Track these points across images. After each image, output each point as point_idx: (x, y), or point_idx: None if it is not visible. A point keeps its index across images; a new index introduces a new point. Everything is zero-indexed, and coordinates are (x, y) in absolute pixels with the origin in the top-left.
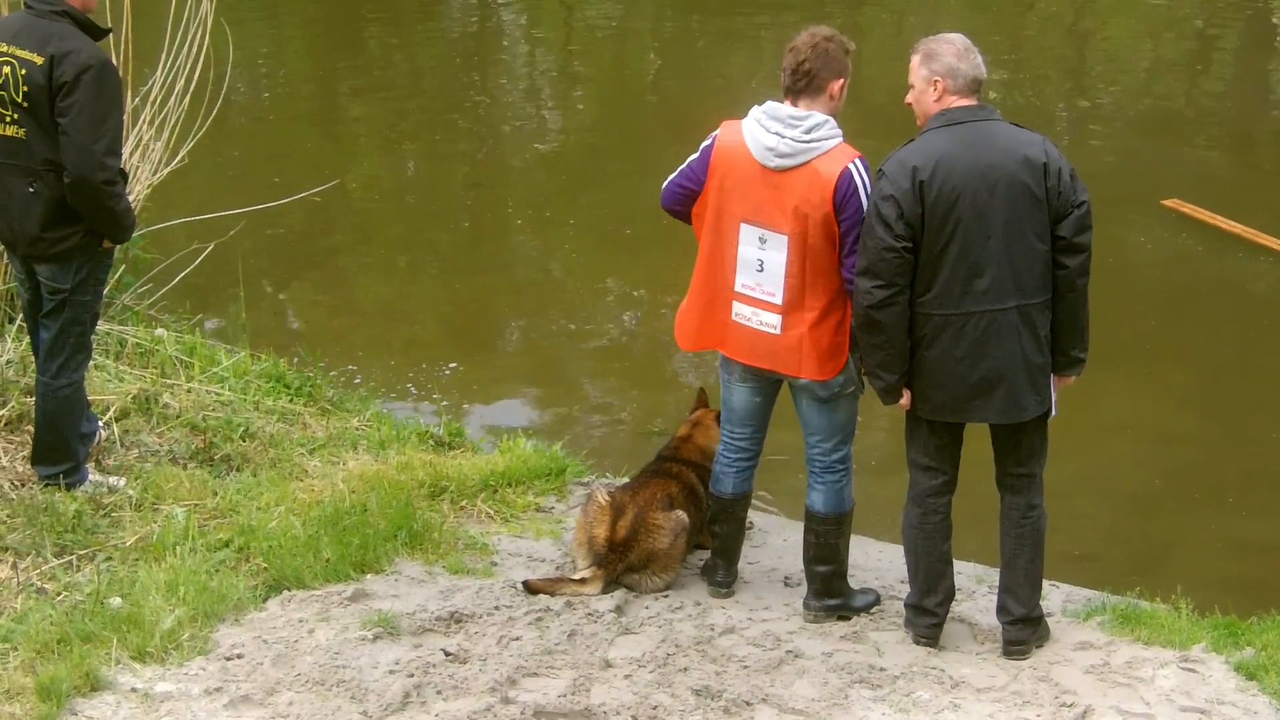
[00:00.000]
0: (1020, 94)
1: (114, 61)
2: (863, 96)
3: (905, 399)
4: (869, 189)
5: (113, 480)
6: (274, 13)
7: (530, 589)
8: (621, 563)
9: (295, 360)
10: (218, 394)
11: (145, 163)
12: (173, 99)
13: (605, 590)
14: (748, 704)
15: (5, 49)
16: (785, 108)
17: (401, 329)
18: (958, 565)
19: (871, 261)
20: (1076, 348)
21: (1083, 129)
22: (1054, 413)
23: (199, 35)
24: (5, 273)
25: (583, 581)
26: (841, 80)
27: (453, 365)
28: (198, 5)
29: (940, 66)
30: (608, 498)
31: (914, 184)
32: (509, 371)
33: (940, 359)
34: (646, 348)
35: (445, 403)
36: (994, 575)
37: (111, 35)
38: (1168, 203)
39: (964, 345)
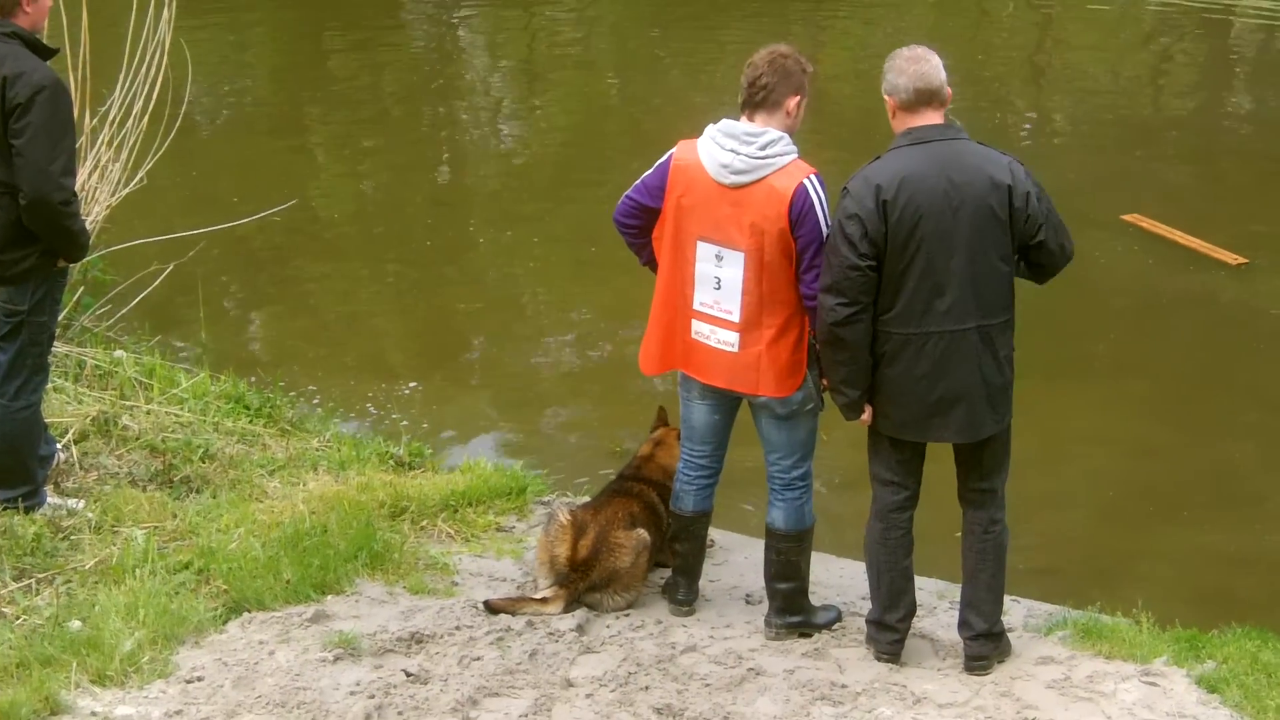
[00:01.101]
0: (982, 108)
1: (70, 82)
2: (826, 111)
3: (867, 415)
4: (825, 204)
5: (72, 503)
6: (235, 31)
7: (491, 609)
8: (583, 582)
9: (253, 380)
10: (177, 415)
11: (104, 183)
12: (131, 119)
13: (567, 609)
14: None
15: None
16: (740, 124)
17: (362, 348)
18: (919, 581)
19: (836, 279)
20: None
21: (1044, 143)
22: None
23: (157, 55)
24: None
25: (544, 601)
26: (799, 97)
27: (413, 384)
28: (156, 26)
29: (886, 83)
30: (569, 517)
31: (878, 203)
32: (470, 390)
33: (900, 377)
34: (608, 366)
35: (405, 422)
36: (955, 590)
37: (70, 56)
38: (1128, 217)
39: (924, 364)
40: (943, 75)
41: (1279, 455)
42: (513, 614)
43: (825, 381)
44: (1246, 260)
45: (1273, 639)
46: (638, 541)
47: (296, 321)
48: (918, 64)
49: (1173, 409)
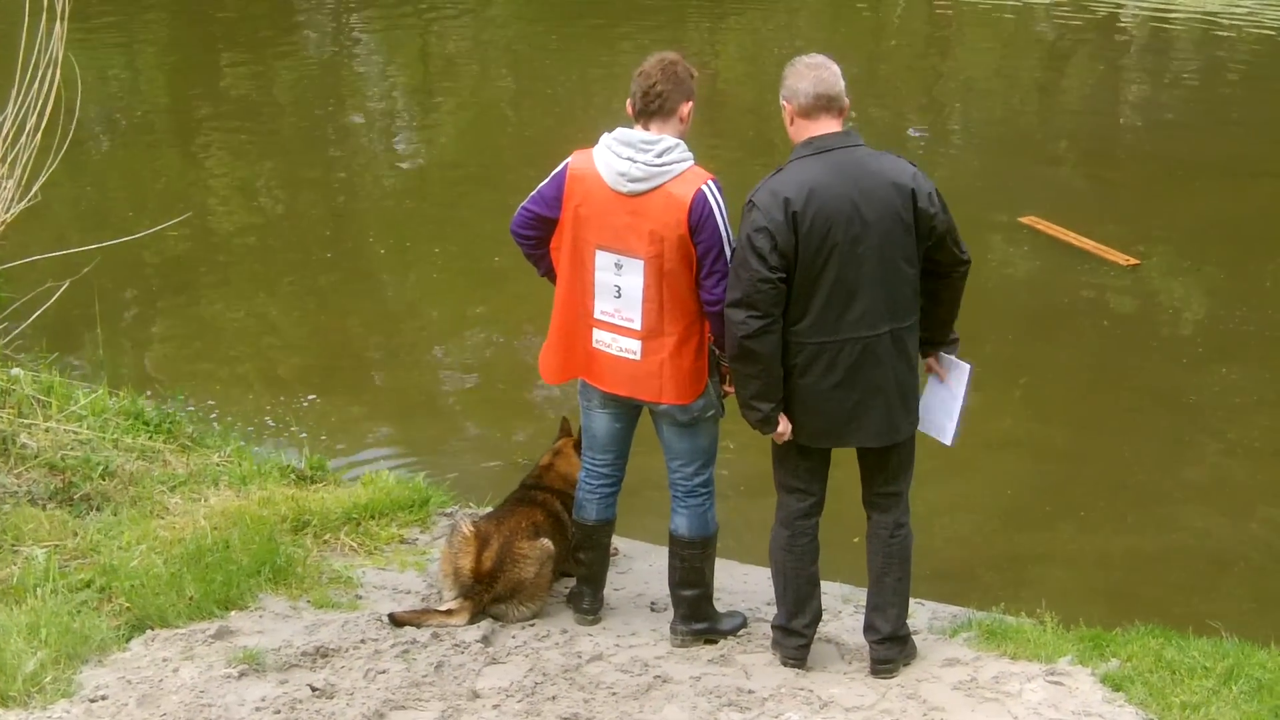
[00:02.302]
0: (876, 114)
1: None
2: (722, 116)
3: (784, 426)
4: (724, 210)
5: None
6: (128, 47)
7: (396, 621)
8: (488, 593)
9: (149, 394)
10: (76, 433)
11: None
12: (24, 136)
13: (472, 621)
14: None
15: None
16: (636, 133)
17: (260, 362)
18: (824, 585)
19: (746, 293)
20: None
21: (939, 148)
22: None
23: (50, 72)
24: None
25: (449, 613)
26: (690, 103)
27: (312, 397)
28: (48, 42)
29: (785, 89)
30: (473, 528)
31: (787, 214)
32: (370, 403)
33: (813, 386)
34: (509, 377)
35: (305, 435)
36: (860, 595)
37: None
38: (1024, 219)
39: (839, 372)
40: (842, 84)
41: (1175, 454)
42: (418, 626)
43: (727, 389)
44: (1138, 261)
45: (1175, 636)
46: (542, 552)
47: (194, 336)
48: (817, 70)
49: (1069, 409)
